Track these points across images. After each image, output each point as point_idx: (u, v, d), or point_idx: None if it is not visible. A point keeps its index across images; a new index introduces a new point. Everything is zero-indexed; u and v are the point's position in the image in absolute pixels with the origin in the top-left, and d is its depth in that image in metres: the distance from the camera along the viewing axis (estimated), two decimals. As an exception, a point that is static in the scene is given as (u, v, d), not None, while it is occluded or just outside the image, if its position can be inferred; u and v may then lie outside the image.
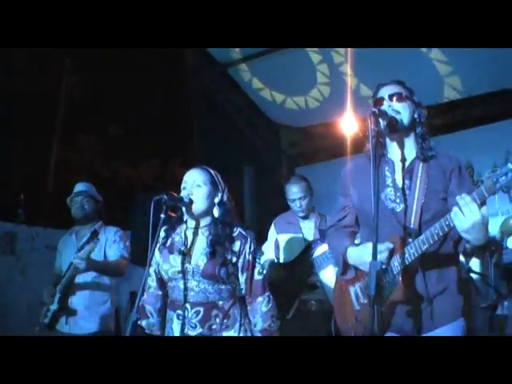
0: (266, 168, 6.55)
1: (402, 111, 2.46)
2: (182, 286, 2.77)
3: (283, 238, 4.25)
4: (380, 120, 2.42)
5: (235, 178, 4.73)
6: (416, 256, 2.32)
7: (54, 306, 3.93)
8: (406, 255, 2.34)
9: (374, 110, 2.35)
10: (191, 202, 2.80)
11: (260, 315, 2.80)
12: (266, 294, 2.85)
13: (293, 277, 4.08)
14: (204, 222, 2.84)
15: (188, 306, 2.79)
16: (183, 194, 2.83)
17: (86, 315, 3.95)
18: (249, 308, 2.84)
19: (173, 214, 2.81)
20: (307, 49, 5.56)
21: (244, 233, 2.82)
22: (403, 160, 2.51)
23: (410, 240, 2.35)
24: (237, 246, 2.80)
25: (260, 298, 2.81)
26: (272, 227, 4.34)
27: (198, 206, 2.81)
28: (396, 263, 2.37)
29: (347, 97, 5.33)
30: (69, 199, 4.24)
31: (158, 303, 2.90)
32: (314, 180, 4.30)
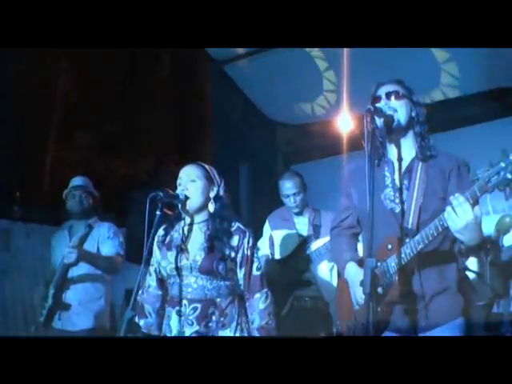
0: (261, 166, 6.55)
1: (399, 109, 2.46)
2: (180, 283, 2.77)
3: (277, 234, 4.24)
4: (376, 117, 2.42)
5: (231, 176, 4.72)
6: (412, 256, 2.33)
7: (48, 303, 3.91)
8: (402, 255, 2.35)
9: (369, 107, 2.35)
10: (186, 198, 2.81)
11: (257, 312, 2.78)
12: (264, 290, 2.83)
13: (287, 273, 4.07)
14: (200, 217, 2.84)
15: (186, 302, 2.78)
16: (178, 190, 2.84)
17: (79, 311, 3.92)
18: (247, 304, 2.82)
19: (169, 212, 2.81)
20: (313, 55, 5.58)
21: (242, 227, 2.82)
22: (402, 160, 2.50)
23: (408, 240, 2.35)
24: (235, 240, 2.79)
25: (258, 295, 2.79)
26: (266, 224, 4.33)
27: (193, 200, 2.81)
28: (393, 263, 2.38)
29: (343, 95, 5.33)
30: (65, 193, 4.19)
31: (158, 303, 2.89)
32: (310, 177, 4.30)
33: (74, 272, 3.94)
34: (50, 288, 3.92)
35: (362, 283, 2.13)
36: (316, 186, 4.41)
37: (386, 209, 2.43)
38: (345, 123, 5.40)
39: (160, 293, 2.88)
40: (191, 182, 2.82)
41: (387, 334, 2.40)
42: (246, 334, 2.76)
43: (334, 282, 4.02)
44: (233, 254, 2.78)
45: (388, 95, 2.47)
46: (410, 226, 2.38)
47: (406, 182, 2.48)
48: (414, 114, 2.50)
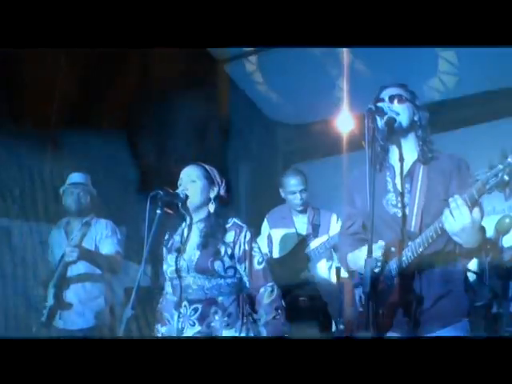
0: (261, 166, 6.55)
1: (402, 113, 2.46)
2: (181, 284, 2.76)
3: (276, 233, 4.23)
4: (377, 117, 2.42)
5: (231, 175, 4.72)
6: (413, 259, 2.33)
7: (49, 302, 3.90)
8: (404, 258, 2.35)
9: (370, 106, 2.35)
10: (186, 197, 2.81)
11: (263, 308, 2.74)
12: (269, 284, 2.78)
13: (285, 272, 4.07)
14: (199, 216, 2.84)
15: (186, 303, 2.77)
16: (179, 190, 2.84)
17: (80, 310, 3.91)
18: (255, 301, 2.79)
19: (169, 211, 2.82)
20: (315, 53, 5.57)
21: (239, 223, 2.81)
22: (403, 163, 2.51)
23: (410, 243, 2.35)
24: (231, 236, 2.79)
25: (262, 289, 2.75)
26: (265, 222, 4.32)
27: (193, 200, 2.81)
28: (394, 266, 2.38)
29: (343, 94, 5.33)
30: (62, 189, 4.11)
31: (174, 308, 2.87)
32: (310, 177, 4.29)
33: (73, 271, 3.93)
34: (50, 287, 3.91)
35: (363, 282, 2.14)
36: (315, 186, 4.40)
37: (388, 214, 2.44)
38: (345, 123, 5.40)
39: (176, 298, 2.86)
40: (191, 182, 2.83)
41: (390, 334, 2.41)
42: (252, 334, 2.73)
43: (333, 282, 4.03)
44: (229, 251, 2.77)
45: (391, 98, 2.47)
46: (412, 230, 2.38)
47: (407, 185, 2.48)
48: (416, 118, 2.50)
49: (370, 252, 2.13)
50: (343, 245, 2.71)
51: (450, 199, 2.16)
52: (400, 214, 2.45)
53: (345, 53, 5.35)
